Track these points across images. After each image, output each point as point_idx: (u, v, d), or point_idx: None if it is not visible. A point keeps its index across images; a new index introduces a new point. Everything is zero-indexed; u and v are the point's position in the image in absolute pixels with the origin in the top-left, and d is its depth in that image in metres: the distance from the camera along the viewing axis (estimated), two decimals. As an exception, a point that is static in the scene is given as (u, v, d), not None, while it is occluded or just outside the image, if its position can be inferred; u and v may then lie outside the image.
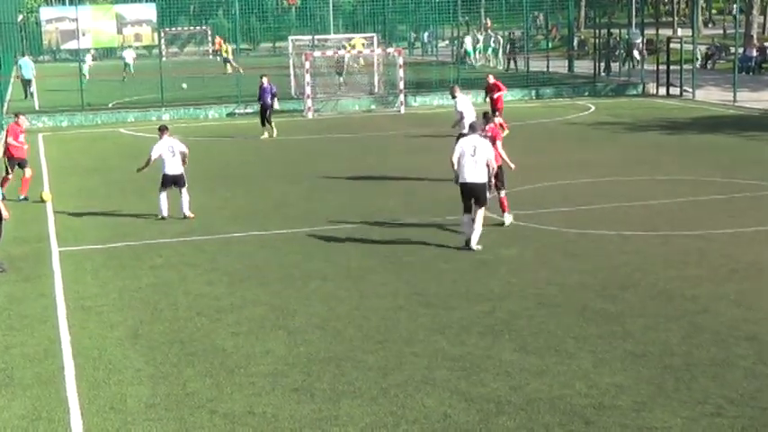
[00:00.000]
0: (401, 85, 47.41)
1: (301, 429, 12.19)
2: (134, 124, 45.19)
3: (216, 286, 18.63)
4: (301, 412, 12.70)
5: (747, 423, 11.92)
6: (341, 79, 51.41)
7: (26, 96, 53.69)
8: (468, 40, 70.67)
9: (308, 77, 46.17)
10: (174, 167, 24.29)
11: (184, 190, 24.38)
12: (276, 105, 39.93)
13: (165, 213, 24.24)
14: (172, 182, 24.32)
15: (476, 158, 20.14)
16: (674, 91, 49.24)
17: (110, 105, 49.58)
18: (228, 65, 67.19)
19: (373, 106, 48.71)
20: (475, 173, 20.16)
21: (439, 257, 20.04)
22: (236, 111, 47.35)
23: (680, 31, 67.05)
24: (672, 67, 50.07)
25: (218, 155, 35.20)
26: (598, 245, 20.39)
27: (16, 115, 28.97)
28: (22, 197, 27.61)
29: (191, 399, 13.26)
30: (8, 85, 54.85)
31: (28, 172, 28.04)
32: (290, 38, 57.06)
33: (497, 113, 34.69)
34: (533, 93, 51.72)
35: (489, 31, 73.50)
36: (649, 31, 61.43)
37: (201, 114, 47.46)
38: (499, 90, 36.74)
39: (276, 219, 24.08)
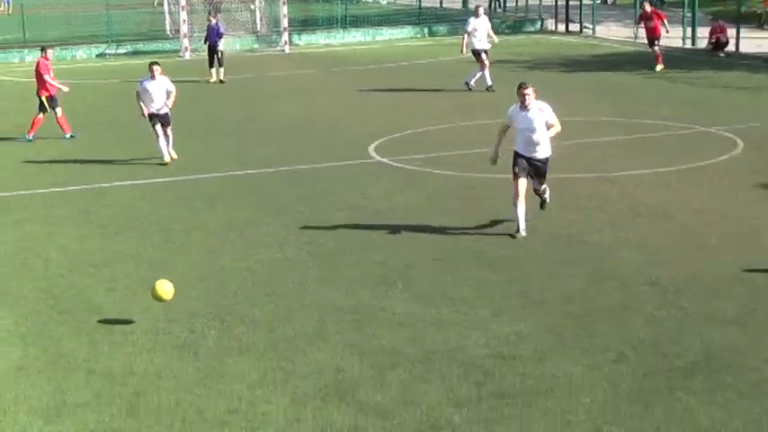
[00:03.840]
0: (285, 23, 47.15)
1: (185, 388, 12.21)
2: (-6, 68, 44.44)
3: (89, 240, 18.50)
4: (185, 370, 12.72)
5: (648, 369, 12.22)
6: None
7: None
8: None
9: (184, 15, 45.65)
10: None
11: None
12: (220, 47, 38.49)
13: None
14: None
15: None
16: (574, 28, 49.69)
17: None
18: None
19: (256, 45, 48.38)
20: None
21: (331, 206, 20.11)
22: (107, 51, 46.69)
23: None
24: (571, 3, 50.47)
25: (89, 99, 34.71)
26: (495, 188, 20.46)
27: (43, 49, 28.62)
28: (68, 135, 27.75)
29: (65, 359, 13.19)
30: None
31: (60, 111, 27.86)
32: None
33: (656, 43, 36.27)
34: (426, 30, 51.76)
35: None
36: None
37: (69, 55, 46.67)
38: (659, 18, 36.93)
39: (152, 167, 23.87)
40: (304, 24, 51.94)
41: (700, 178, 21.27)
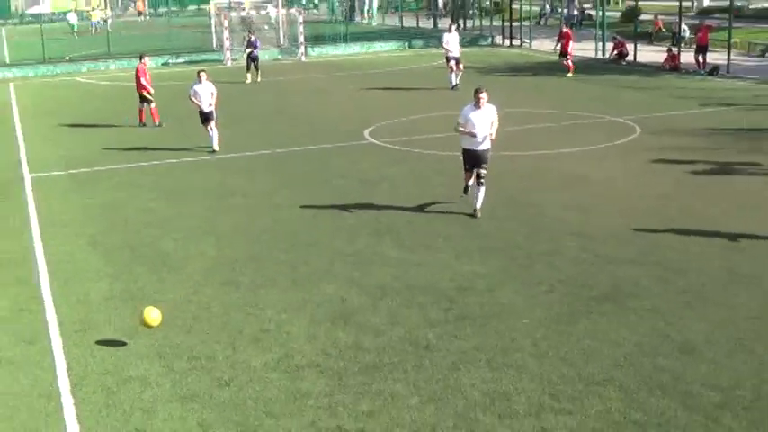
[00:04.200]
0: (301, 39, 46.87)
1: (229, 313, 12.24)
2: (87, 74, 44.08)
3: (158, 203, 18.45)
4: (229, 300, 12.74)
5: (572, 298, 12.27)
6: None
7: None
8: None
9: (226, 33, 45.32)
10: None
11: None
12: (257, 53, 37.98)
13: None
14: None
15: None
16: (516, 42, 49.47)
17: (67, 58, 48.13)
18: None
19: (279, 56, 48.04)
20: None
21: (335, 176, 20.06)
22: (170, 60, 46.34)
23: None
24: (514, 24, 50.27)
25: (157, 97, 34.44)
26: (458, 164, 20.43)
27: (141, 57, 28.41)
28: (141, 124, 27.36)
29: (141, 292, 13.21)
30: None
31: (149, 106, 27.57)
32: (212, 2, 55.98)
33: (567, 56, 36.43)
34: (406, 44, 51.42)
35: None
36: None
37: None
38: (569, 39, 36.80)
39: (204, 150, 23.62)
40: (316, 40, 51.46)
41: (610, 155, 21.24)
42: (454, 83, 32.89)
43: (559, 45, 37.31)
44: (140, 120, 27.57)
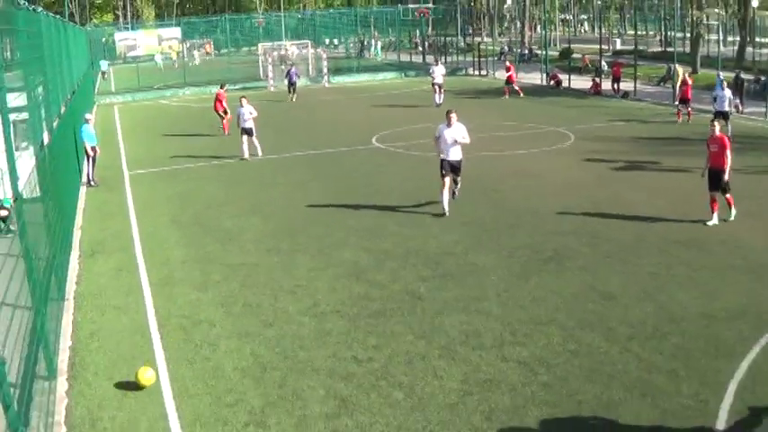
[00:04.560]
0: (325, 70, 46.53)
1: (272, 272, 12.07)
2: (169, 98, 43.77)
3: (220, 190, 18.24)
4: (272, 262, 12.57)
5: (526, 260, 12.09)
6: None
7: (103, 78, 53.00)
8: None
9: (270, 67, 45.01)
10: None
11: (254, 138, 22.29)
12: (298, 81, 38.05)
13: (245, 155, 22.16)
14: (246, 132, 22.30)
15: None
16: (483, 72, 49.08)
17: (155, 87, 47.76)
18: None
19: (309, 82, 47.66)
20: None
21: (350, 171, 19.83)
22: (228, 87, 45.79)
23: (486, 38, 66.67)
24: (481, 59, 49.88)
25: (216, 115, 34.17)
26: (441, 161, 20.31)
27: (222, 85, 28.34)
28: (226, 133, 26.66)
29: (207, 256, 13.05)
30: (97, 75, 53.22)
31: (227, 119, 26.93)
32: (259, 44, 55.55)
33: (511, 84, 35.46)
34: (403, 74, 51.01)
35: (375, 38, 72.24)
36: (469, 38, 60.69)
37: (208, 90, 45.75)
38: (510, 70, 36.18)
39: (251, 154, 23.39)
40: (336, 70, 51.06)
41: (552, 155, 20.99)
42: (438, 102, 32.59)
43: (507, 75, 36.89)
44: (225, 130, 27.15)
